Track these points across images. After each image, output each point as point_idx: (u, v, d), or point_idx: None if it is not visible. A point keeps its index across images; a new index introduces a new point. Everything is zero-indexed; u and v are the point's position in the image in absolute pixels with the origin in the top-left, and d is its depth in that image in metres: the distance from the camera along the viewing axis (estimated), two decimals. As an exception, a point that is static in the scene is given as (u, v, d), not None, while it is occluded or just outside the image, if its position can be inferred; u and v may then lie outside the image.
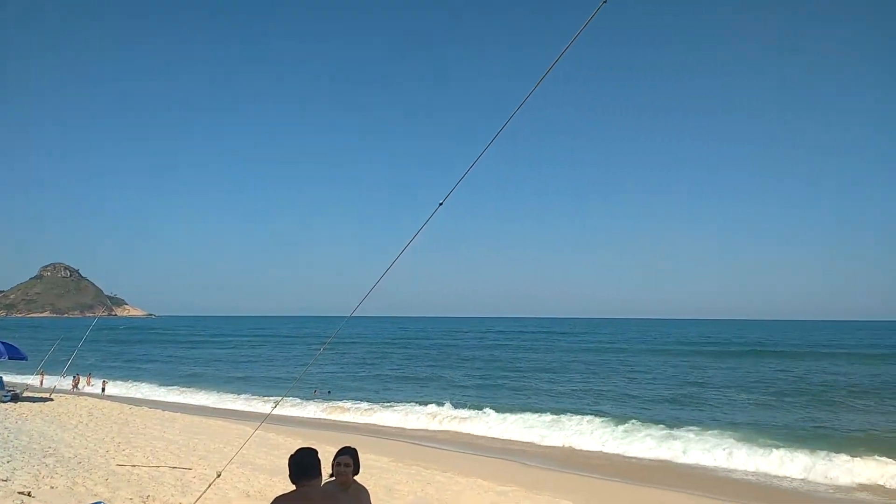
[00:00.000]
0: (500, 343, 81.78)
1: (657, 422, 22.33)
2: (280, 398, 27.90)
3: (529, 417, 23.62)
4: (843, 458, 16.41)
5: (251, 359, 58.13)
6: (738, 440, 18.84)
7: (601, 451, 19.17)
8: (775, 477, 16.06)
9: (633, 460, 18.17)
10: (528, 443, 20.45)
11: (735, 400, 29.82)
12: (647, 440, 19.30)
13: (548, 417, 23.33)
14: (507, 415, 23.51)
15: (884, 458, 16.21)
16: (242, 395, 32.15)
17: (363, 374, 42.74)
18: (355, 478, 4.68)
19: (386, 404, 27.90)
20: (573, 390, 33.84)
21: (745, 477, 16.24)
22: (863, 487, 14.97)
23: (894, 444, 18.72)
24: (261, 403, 29.27)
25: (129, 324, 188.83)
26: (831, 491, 14.83)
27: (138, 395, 32.80)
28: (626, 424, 21.84)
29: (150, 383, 37.76)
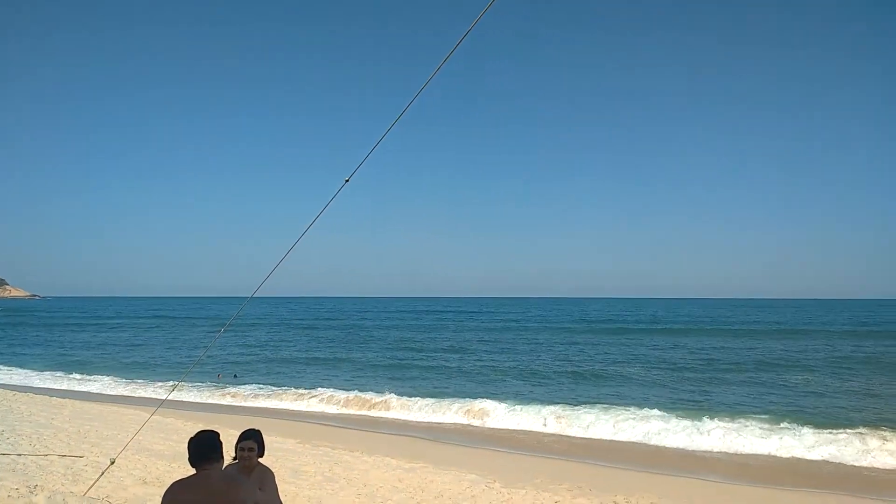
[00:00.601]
0: (408, 323, 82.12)
1: (557, 401, 23.22)
2: (178, 381, 26.84)
3: (437, 396, 24.06)
4: (717, 424, 17.89)
5: (147, 342, 55.40)
6: (631, 412, 19.97)
7: (505, 428, 19.75)
8: (657, 447, 17.19)
9: (533, 434, 18.88)
10: (435, 423, 20.74)
11: (629, 375, 31.47)
12: (549, 417, 20.06)
13: (455, 396, 23.90)
14: (416, 398, 23.69)
15: (753, 425, 17.79)
16: (138, 380, 30.59)
17: (269, 356, 41.79)
18: (260, 460, 4.62)
19: (293, 387, 27.45)
20: (480, 367, 34.59)
21: (631, 447, 17.28)
22: (724, 455, 16.30)
23: (763, 413, 20.44)
24: (158, 388, 28.04)
25: (8, 306, 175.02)
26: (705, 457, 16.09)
27: (17, 382, 30.49)
28: (528, 400, 22.71)
29: (33, 369, 35.20)
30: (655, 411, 19.99)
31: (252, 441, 4.54)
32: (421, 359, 39.45)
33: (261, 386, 28.15)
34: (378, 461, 13.82)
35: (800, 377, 29.68)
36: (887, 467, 14.71)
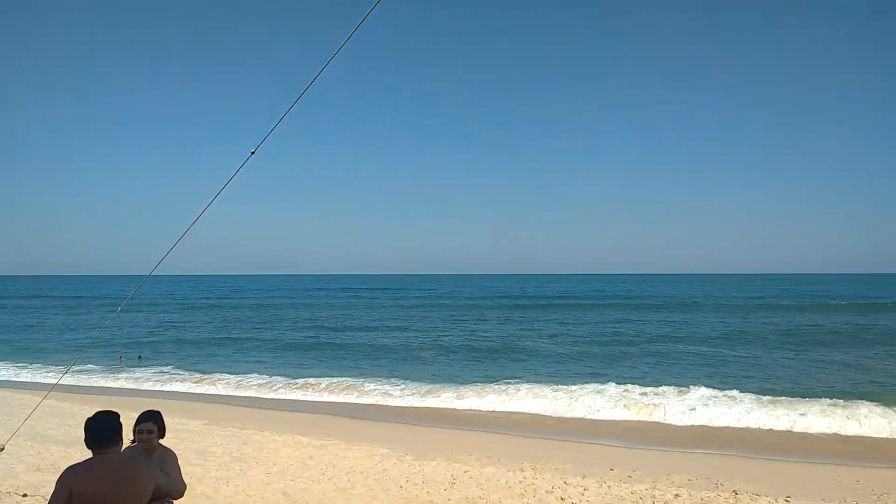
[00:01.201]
0: (322, 301, 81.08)
1: (472, 377, 23.73)
2: (72, 363, 25.38)
3: (348, 374, 24.06)
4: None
5: (36, 324, 51.93)
6: (540, 386, 20.75)
7: (422, 407, 19.92)
8: (561, 418, 17.97)
9: (447, 410, 19.20)
10: (344, 403, 20.59)
11: (538, 349, 32.55)
12: (465, 392, 20.50)
13: (370, 376, 24.00)
14: (326, 378, 23.50)
15: (649, 392, 18.93)
16: (34, 364, 28.65)
17: (174, 337, 40.24)
18: (161, 442, 4.51)
19: (200, 369, 26.62)
20: (395, 346, 34.73)
21: (539, 419, 17.97)
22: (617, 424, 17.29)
23: (658, 382, 21.76)
24: (53, 372, 26.44)
25: None
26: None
27: None
28: (444, 378, 23.16)
29: None
30: (562, 385, 20.87)
31: (151, 423, 4.42)
32: (334, 338, 39.15)
33: (165, 367, 27.12)
34: (289, 440, 13.70)
35: (680, 347, 31.86)
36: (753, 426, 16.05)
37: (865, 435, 15.20)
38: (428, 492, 9.70)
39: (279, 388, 22.42)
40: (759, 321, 45.51)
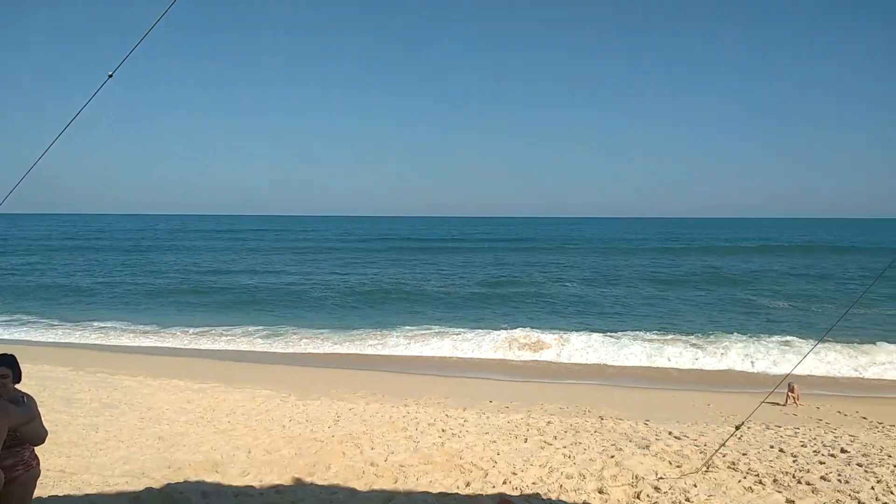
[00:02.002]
0: (205, 244, 77.15)
1: (352, 325, 23.75)
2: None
3: (230, 320, 23.40)
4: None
5: None
6: (424, 327, 21.17)
7: (308, 353, 19.77)
8: (444, 357, 18.55)
9: (334, 353, 19.20)
10: (231, 349, 19.99)
11: (430, 293, 33.05)
12: (354, 336, 20.55)
13: (249, 320, 23.48)
14: (206, 325, 22.61)
15: (534, 334, 19.90)
16: None
17: (30, 282, 37.08)
18: (17, 386, 4.21)
19: (63, 316, 24.81)
20: (278, 290, 33.96)
21: (424, 359, 18.42)
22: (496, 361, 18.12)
23: (541, 326, 22.86)
24: None
25: None
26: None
27: None
28: (339, 324, 23.10)
29: None
30: (450, 328, 21.55)
31: (5, 367, 4.11)
32: (214, 282, 37.65)
33: (25, 313, 25.06)
34: (164, 384, 13.19)
35: (558, 288, 33.52)
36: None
37: (716, 368, 16.81)
38: (312, 430, 9.73)
39: (152, 333, 21.40)
40: (627, 263, 48.56)
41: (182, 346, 19.60)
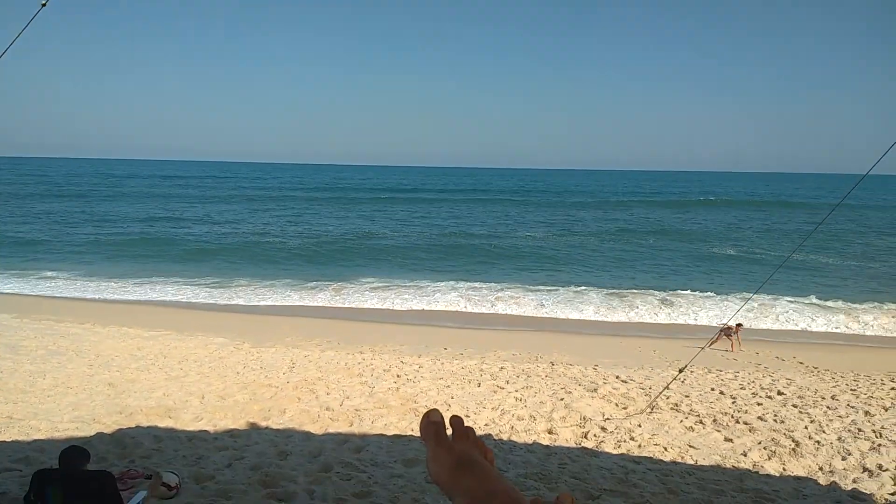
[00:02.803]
0: (141, 190, 74.55)
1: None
2: None
3: (184, 268, 22.94)
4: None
5: None
6: (378, 279, 21.16)
7: (264, 305, 19.55)
8: (397, 310, 18.64)
9: (269, 307, 19.00)
10: (183, 301, 19.72)
11: (386, 244, 32.91)
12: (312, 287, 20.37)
13: (202, 269, 23.03)
14: (143, 277, 22.10)
15: (483, 288, 20.08)
16: None
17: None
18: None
19: (5, 266, 23.86)
20: (229, 239, 33.36)
21: (378, 312, 18.49)
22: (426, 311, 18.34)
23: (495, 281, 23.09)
24: None
25: None
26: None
27: None
28: (301, 274, 22.90)
29: None
30: (398, 280, 21.64)
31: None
32: (164, 231, 36.70)
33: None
34: (113, 332, 12.94)
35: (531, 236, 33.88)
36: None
37: (665, 322, 17.35)
38: (266, 376, 9.73)
39: (99, 282, 20.85)
40: (582, 216, 49.20)
41: (132, 298, 19.13)
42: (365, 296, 19.23)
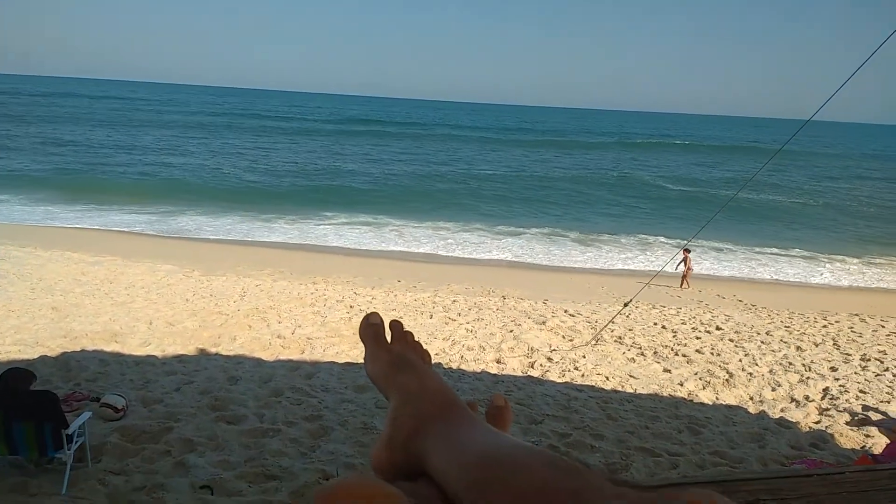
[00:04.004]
0: (73, 112, 71.05)
1: (263, 207, 23.03)
2: None
3: (136, 202, 22.23)
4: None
5: None
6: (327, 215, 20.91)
7: (217, 240, 19.16)
8: (342, 247, 18.55)
9: (219, 237, 18.65)
10: (125, 230, 19.10)
11: (348, 179, 32.39)
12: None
13: (153, 195, 22.30)
14: (74, 204, 21.27)
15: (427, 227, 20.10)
16: None
17: None
18: None
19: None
20: (185, 167, 32.32)
21: (334, 248, 18.36)
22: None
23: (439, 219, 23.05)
24: None
25: None
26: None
27: None
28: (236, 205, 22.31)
29: None
30: (358, 216, 21.48)
31: None
32: (106, 158, 35.24)
33: None
34: (56, 256, 12.54)
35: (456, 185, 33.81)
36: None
37: (616, 266, 17.76)
38: (217, 304, 9.64)
39: (37, 206, 20.05)
40: (529, 155, 49.18)
41: (76, 225, 18.46)
42: (322, 229, 19.03)
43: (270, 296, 10.44)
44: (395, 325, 0.91)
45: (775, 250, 18.62)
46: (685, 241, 13.27)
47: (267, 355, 7.44)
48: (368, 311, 0.90)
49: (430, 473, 0.64)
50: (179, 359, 7.10)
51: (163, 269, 12.20)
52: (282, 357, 7.42)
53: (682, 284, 13.84)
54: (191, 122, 62.08)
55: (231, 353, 7.42)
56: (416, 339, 0.92)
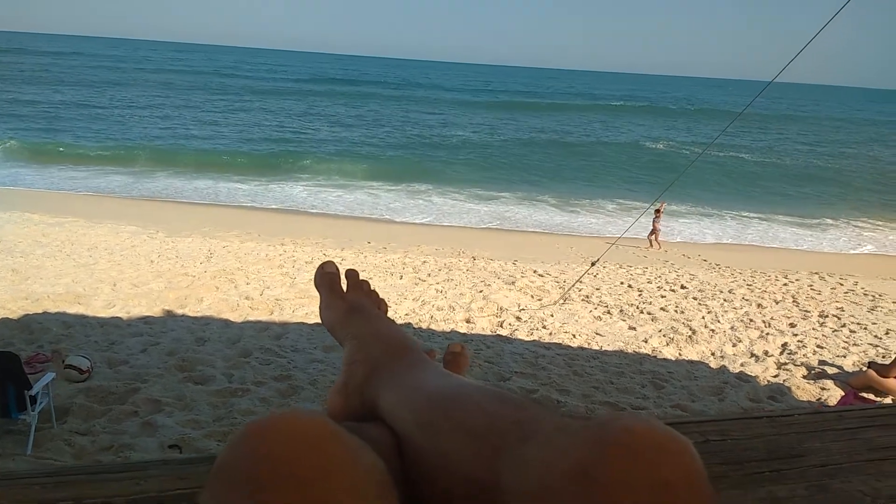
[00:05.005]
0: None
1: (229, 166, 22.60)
2: None
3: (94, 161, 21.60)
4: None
5: None
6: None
7: (184, 202, 18.78)
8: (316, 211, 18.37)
9: (185, 197, 18.41)
10: (76, 192, 18.67)
11: (314, 144, 31.81)
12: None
13: (111, 154, 21.68)
14: (35, 164, 20.68)
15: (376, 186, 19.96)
16: None
17: None
18: None
19: None
20: (141, 121, 31.40)
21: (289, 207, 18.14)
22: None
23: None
24: None
25: None
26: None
27: None
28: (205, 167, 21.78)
29: None
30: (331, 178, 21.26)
31: None
32: (73, 112, 34.04)
33: None
34: (14, 217, 12.17)
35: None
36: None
37: (583, 229, 17.91)
38: (183, 265, 9.50)
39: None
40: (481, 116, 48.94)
41: (37, 185, 17.94)
42: (291, 191, 18.78)
43: (238, 257, 10.32)
44: (351, 274, 0.90)
45: (745, 213, 18.96)
46: (649, 204, 13.46)
47: (235, 316, 7.39)
48: (324, 261, 0.89)
49: (382, 416, 0.64)
50: (145, 320, 7.01)
51: (126, 230, 11.95)
52: (250, 318, 7.38)
53: (651, 245, 14.04)
54: (152, 80, 60.08)
55: (198, 315, 7.35)
56: (372, 287, 0.92)
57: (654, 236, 14.12)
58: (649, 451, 0.36)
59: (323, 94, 57.87)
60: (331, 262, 0.87)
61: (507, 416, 0.49)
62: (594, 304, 8.61)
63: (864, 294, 10.05)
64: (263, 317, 7.47)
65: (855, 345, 7.41)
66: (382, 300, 0.90)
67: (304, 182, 20.06)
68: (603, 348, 6.95)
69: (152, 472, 0.77)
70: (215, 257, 10.21)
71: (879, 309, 9.14)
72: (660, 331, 7.57)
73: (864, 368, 6.31)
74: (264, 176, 20.52)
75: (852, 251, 15.49)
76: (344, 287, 0.87)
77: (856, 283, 10.80)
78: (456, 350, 0.91)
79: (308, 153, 26.10)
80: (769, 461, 0.97)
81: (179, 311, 7.42)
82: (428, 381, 0.65)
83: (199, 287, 8.39)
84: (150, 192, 17.31)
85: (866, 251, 15.56)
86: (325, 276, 0.86)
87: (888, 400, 5.90)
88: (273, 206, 16.76)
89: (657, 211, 13.98)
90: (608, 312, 8.23)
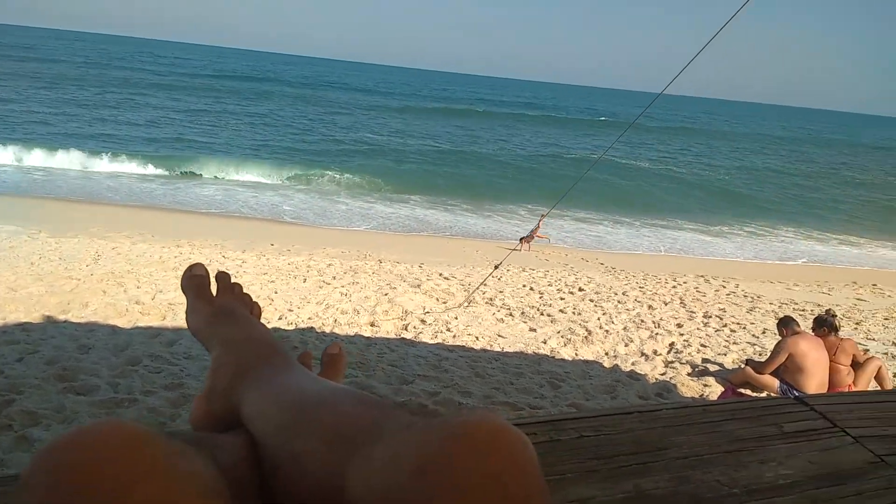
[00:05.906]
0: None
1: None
2: None
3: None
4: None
5: None
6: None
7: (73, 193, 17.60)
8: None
9: (60, 199, 17.36)
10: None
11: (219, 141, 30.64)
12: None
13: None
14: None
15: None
16: None
17: None
18: None
19: None
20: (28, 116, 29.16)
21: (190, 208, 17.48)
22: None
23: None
24: None
25: None
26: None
27: None
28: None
29: None
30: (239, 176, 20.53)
31: None
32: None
33: None
34: None
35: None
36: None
37: (489, 234, 18.25)
38: (66, 268, 8.88)
39: None
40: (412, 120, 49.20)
41: None
42: (192, 191, 17.98)
43: (129, 259, 9.77)
44: (221, 277, 0.87)
45: (643, 219, 19.94)
46: (546, 210, 14.01)
47: (124, 322, 6.98)
48: (192, 263, 0.85)
49: (244, 422, 0.62)
50: (23, 327, 6.50)
51: (4, 229, 11.05)
52: (140, 324, 7.00)
53: (523, 245, 14.45)
54: (43, 72, 55.82)
55: (82, 321, 6.89)
56: (245, 290, 0.89)
57: (529, 239, 14.65)
58: (483, 444, 0.37)
59: (227, 91, 55.92)
60: (199, 265, 0.84)
61: (365, 417, 0.49)
62: (497, 306, 8.78)
63: (744, 296, 10.81)
64: (155, 322, 7.11)
65: (735, 343, 7.96)
66: (255, 303, 0.87)
67: (204, 181, 19.29)
68: (504, 350, 7.09)
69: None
70: (103, 259, 9.62)
71: (757, 310, 9.86)
72: (558, 332, 7.82)
73: (743, 366, 6.77)
74: (159, 174, 19.58)
75: (735, 257, 16.62)
76: (214, 291, 0.84)
77: (737, 286, 11.59)
78: (333, 352, 0.90)
79: (210, 152, 25.14)
80: (637, 454, 1.02)
81: (61, 317, 6.93)
82: (291, 384, 0.64)
83: (83, 291, 7.86)
84: (34, 190, 16.11)
85: (750, 256, 16.75)
86: (192, 280, 0.83)
87: (764, 394, 6.37)
88: (170, 206, 16.00)
89: (542, 216, 14.64)
90: (510, 314, 8.42)
